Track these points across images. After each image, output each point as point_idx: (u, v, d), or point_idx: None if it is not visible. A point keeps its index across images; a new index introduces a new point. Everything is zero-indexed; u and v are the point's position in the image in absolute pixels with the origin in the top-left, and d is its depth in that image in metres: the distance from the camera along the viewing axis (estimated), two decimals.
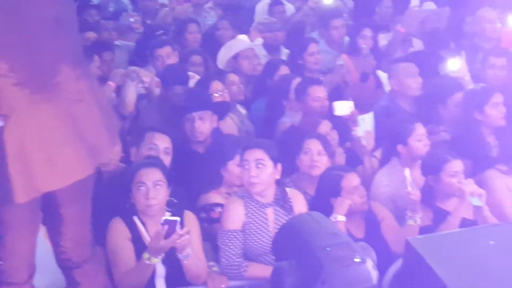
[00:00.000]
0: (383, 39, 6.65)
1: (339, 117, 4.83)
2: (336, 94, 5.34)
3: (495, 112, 4.72)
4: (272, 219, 3.76)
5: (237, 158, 4.01)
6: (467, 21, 6.88)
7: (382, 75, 5.85)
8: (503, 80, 5.46)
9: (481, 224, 3.96)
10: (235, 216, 3.72)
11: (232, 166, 4.10)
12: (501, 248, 2.78)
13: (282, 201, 3.81)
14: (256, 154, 3.72)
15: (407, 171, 4.02)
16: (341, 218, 3.86)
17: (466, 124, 4.79)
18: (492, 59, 5.56)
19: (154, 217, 3.61)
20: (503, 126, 4.72)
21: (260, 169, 3.69)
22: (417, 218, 3.97)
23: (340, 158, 4.62)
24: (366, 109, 4.97)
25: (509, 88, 5.20)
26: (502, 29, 6.19)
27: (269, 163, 3.72)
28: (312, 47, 6.02)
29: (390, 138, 4.58)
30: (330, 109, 4.90)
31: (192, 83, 5.27)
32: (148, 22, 7.69)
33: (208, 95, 4.86)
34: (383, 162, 4.63)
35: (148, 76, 5.10)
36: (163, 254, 3.41)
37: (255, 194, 3.75)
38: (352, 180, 4.01)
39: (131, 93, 4.86)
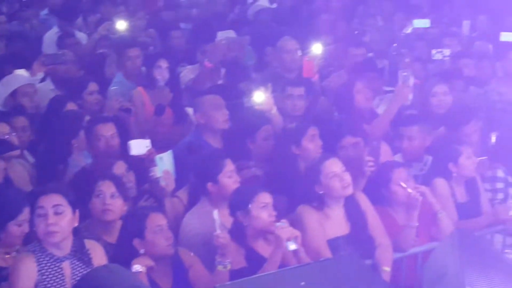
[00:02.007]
0: (190, 73, 6.94)
1: (136, 157, 4.90)
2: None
3: (312, 145, 5.06)
4: (69, 274, 3.70)
5: (20, 216, 3.93)
6: (267, 52, 7.30)
7: (189, 110, 6.06)
8: (302, 110, 5.92)
9: (294, 264, 4.20)
10: (26, 275, 3.62)
11: (12, 227, 3.99)
12: None
13: (79, 253, 3.77)
14: (54, 199, 3.68)
15: (215, 213, 4.17)
16: (141, 268, 3.90)
17: (283, 159, 5.08)
18: (290, 89, 5.96)
19: None
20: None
21: (59, 216, 3.65)
22: (227, 263, 4.12)
23: None
24: (165, 147, 5.06)
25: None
26: (303, 59, 6.64)
27: (68, 209, 3.70)
28: (92, 86, 6.10)
29: (199, 176, 4.73)
30: (126, 148, 4.96)
31: None
32: None
33: None
34: (192, 202, 4.77)
35: None
36: None
37: (51, 246, 3.69)
38: (157, 219, 4.08)
39: None
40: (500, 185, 5.57)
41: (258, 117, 5.50)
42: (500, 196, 5.54)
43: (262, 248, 4.31)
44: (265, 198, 4.29)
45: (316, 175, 4.61)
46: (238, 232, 4.32)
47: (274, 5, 9.02)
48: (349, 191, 4.64)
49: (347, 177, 4.63)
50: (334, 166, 4.62)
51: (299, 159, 5.09)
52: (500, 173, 5.59)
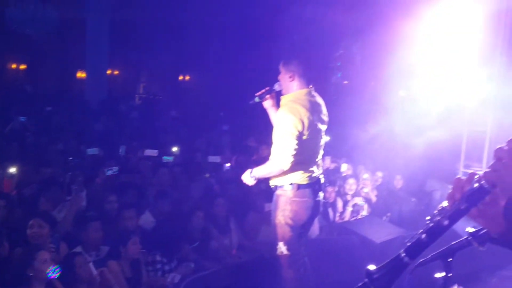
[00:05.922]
0: None
1: None
2: None
3: None
4: None
5: None
6: None
7: None
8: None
9: None
10: None
11: None
12: None
13: None
14: None
15: None
16: None
17: None
18: None
19: None
20: None
21: None
22: None
23: None
24: None
25: None
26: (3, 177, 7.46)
27: None
28: None
29: None
30: None
31: None
32: None
33: None
34: None
35: None
36: None
37: None
38: None
39: None
40: (158, 265, 6.62)
41: None
42: (159, 273, 6.57)
43: None
44: None
45: (30, 262, 5.25)
46: None
47: None
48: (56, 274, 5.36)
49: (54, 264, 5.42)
50: (45, 255, 5.38)
51: None
52: (158, 257, 6.61)
